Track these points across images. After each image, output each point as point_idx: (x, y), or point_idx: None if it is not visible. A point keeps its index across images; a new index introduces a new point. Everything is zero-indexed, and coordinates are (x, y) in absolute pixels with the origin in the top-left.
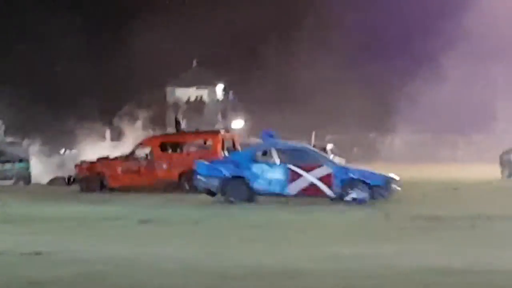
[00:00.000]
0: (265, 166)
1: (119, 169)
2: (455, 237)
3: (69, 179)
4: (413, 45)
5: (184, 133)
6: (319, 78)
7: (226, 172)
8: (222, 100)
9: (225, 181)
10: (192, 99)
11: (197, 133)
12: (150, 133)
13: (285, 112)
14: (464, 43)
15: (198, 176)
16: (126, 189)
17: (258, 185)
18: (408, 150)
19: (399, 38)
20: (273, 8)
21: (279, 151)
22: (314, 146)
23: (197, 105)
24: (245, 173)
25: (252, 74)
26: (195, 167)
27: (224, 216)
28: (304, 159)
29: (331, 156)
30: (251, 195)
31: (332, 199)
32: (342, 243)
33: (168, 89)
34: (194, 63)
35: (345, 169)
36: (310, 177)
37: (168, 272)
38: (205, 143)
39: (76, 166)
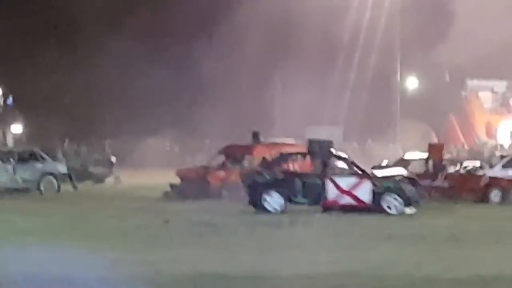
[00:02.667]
0: None
1: None
2: (231, 243)
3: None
4: (191, 51)
5: (290, 144)
6: (91, 84)
7: None
8: (1, 105)
9: None
10: None
11: (296, 145)
12: None
13: (63, 117)
14: (239, 48)
15: None
16: None
17: None
18: (190, 156)
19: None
20: (52, 10)
21: None
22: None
23: None
24: None
25: (31, 78)
26: None
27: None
28: None
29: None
30: None
31: None
32: (119, 249)
33: None
34: None
35: None
36: None
37: None
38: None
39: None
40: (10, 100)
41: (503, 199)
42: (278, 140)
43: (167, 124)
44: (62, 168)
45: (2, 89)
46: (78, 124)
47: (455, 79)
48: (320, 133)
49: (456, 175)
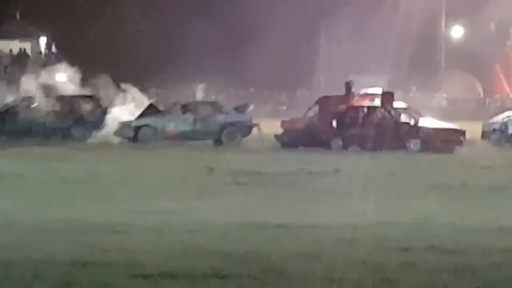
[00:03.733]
0: None
1: None
2: (275, 192)
3: None
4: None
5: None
6: (139, 32)
7: None
8: (45, 54)
9: None
10: (15, 52)
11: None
12: None
13: (109, 66)
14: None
15: None
16: None
17: None
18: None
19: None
20: None
21: None
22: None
23: (21, 58)
24: None
25: (75, 27)
26: None
27: (46, 169)
28: None
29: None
30: None
31: None
32: (165, 198)
33: None
34: (17, 15)
35: None
36: None
37: None
38: None
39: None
40: (54, 48)
41: None
42: (369, 90)
43: (212, 72)
44: (246, 120)
45: (46, 37)
46: (123, 72)
47: (500, 28)
48: (365, 83)
49: None
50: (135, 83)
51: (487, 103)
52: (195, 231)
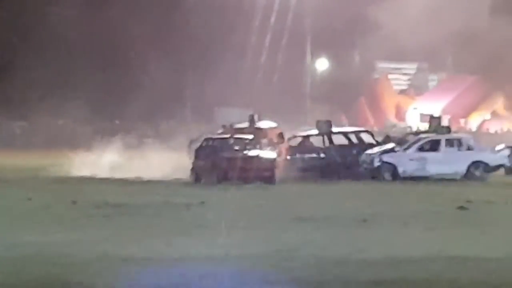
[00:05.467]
0: None
1: None
2: (139, 225)
3: None
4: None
5: (277, 128)
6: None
7: None
8: None
9: None
10: None
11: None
12: None
13: None
14: (151, 30)
15: None
16: None
17: None
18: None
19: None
20: None
21: None
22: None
23: None
24: None
25: None
26: None
27: None
28: None
29: None
30: None
31: None
32: (25, 230)
33: None
34: None
35: None
36: None
37: None
38: None
39: None
40: None
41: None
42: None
43: (76, 105)
44: None
45: None
46: None
47: (365, 61)
48: (230, 115)
49: None
50: None
51: None
52: (59, 264)
